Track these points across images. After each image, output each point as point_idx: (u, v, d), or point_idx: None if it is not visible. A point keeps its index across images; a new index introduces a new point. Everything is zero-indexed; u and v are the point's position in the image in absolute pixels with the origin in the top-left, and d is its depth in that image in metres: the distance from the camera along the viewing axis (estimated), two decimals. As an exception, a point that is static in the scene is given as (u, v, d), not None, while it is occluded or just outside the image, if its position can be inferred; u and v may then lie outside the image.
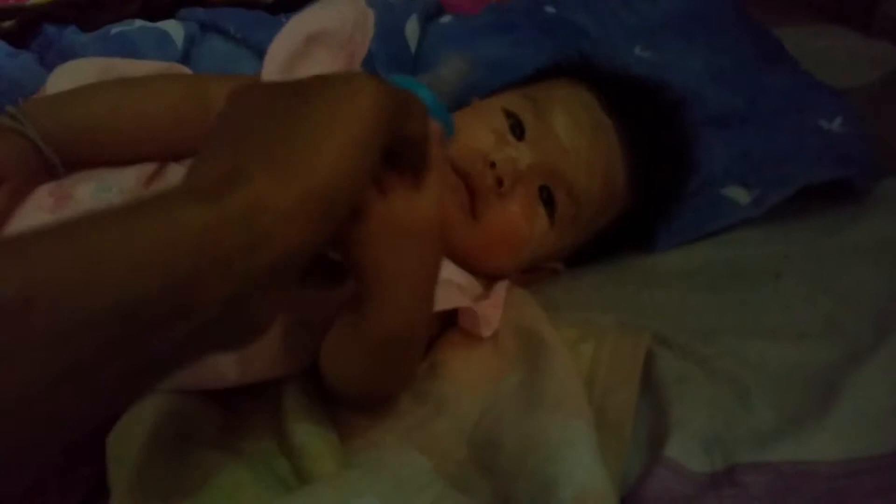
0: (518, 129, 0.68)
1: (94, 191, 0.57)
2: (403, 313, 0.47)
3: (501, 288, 0.65)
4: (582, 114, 0.70)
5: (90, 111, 0.61)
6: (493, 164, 0.64)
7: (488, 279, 0.68)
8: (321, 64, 0.60)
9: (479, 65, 0.89)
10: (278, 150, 0.37)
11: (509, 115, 0.69)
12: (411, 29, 0.96)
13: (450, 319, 0.61)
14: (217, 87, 0.64)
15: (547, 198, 0.67)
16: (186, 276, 0.32)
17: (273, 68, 0.60)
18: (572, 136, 0.68)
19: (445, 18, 1.02)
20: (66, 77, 0.69)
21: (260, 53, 0.94)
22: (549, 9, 1.04)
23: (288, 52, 0.61)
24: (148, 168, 0.61)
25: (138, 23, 0.94)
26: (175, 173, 0.62)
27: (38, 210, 0.56)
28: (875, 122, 0.88)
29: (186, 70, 0.79)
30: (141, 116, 0.62)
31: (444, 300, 0.56)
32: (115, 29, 0.92)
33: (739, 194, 0.78)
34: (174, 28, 0.94)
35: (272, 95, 0.41)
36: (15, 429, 0.29)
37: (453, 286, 0.59)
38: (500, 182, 0.64)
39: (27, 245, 0.30)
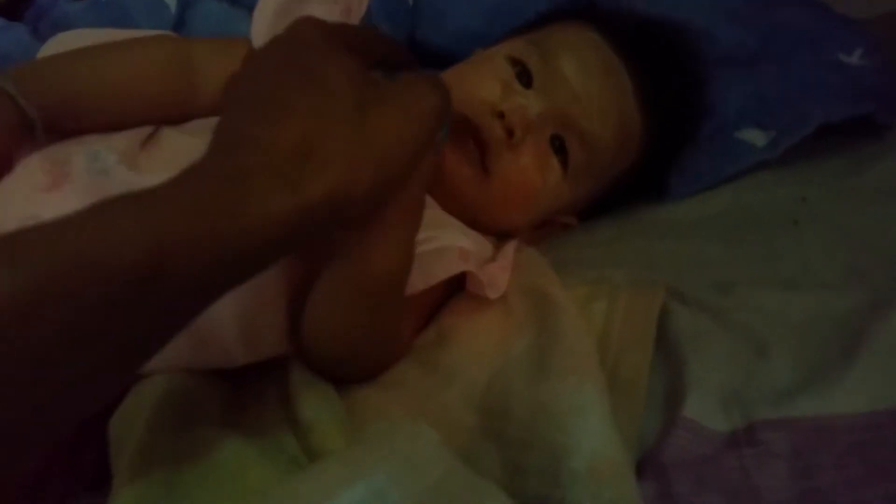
0: (525, 77, 0.65)
1: (87, 163, 0.54)
2: (388, 259, 0.48)
3: (510, 249, 0.63)
4: (590, 56, 0.67)
5: (73, 74, 0.59)
6: (501, 115, 0.62)
7: (499, 237, 0.66)
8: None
9: (479, 13, 0.87)
10: (355, 140, 0.39)
11: (515, 62, 0.66)
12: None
13: (457, 285, 0.60)
14: (201, 49, 0.63)
15: (559, 147, 0.65)
16: (261, 257, 0.37)
17: (261, 24, 0.60)
18: (582, 79, 0.65)
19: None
20: (57, 48, 0.67)
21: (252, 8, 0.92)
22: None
23: (278, 6, 0.60)
24: (140, 132, 0.59)
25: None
26: (171, 138, 0.59)
27: (35, 190, 0.54)
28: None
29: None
30: (123, 79, 0.60)
31: (444, 268, 0.55)
32: (107, -5, 0.89)
33: (755, 136, 0.75)
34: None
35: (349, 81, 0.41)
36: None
37: (454, 252, 0.57)
38: (510, 133, 0.62)
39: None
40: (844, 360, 0.49)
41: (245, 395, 0.53)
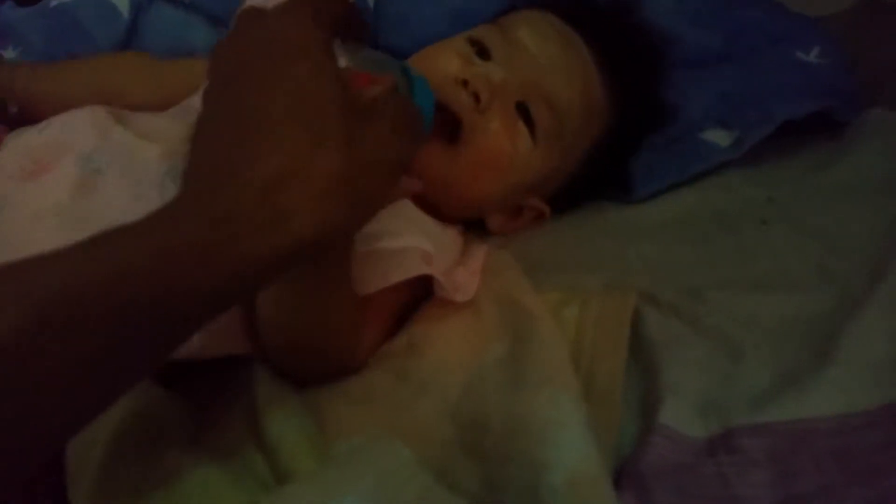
0: (484, 53, 0.66)
1: (76, 165, 0.54)
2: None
3: (480, 253, 0.62)
4: (549, 28, 0.68)
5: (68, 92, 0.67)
6: (465, 83, 0.61)
7: (471, 225, 0.66)
8: None
9: (442, 16, 0.86)
10: (342, 175, 0.37)
11: (473, 42, 0.66)
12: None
13: (426, 290, 0.58)
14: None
15: (526, 114, 0.64)
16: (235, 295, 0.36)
17: None
18: (542, 46, 0.66)
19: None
20: None
21: (211, 18, 0.90)
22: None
23: None
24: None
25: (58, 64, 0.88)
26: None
27: (6, 178, 0.53)
28: (855, 49, 0.85)
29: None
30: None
31: (404, 270, 0.54)
32: (55, 1, 0.86)
33: (719, 136, 0.75)
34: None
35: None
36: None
37: (416, 253, 0.55)
38: (476, 99, 0.61)
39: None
40: (819, 363, 0.49)
41: (209, 415, 0.51)
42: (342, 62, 0.49)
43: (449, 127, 0.61)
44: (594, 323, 0.54)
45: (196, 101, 0.61)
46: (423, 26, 0.84)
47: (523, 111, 0.64)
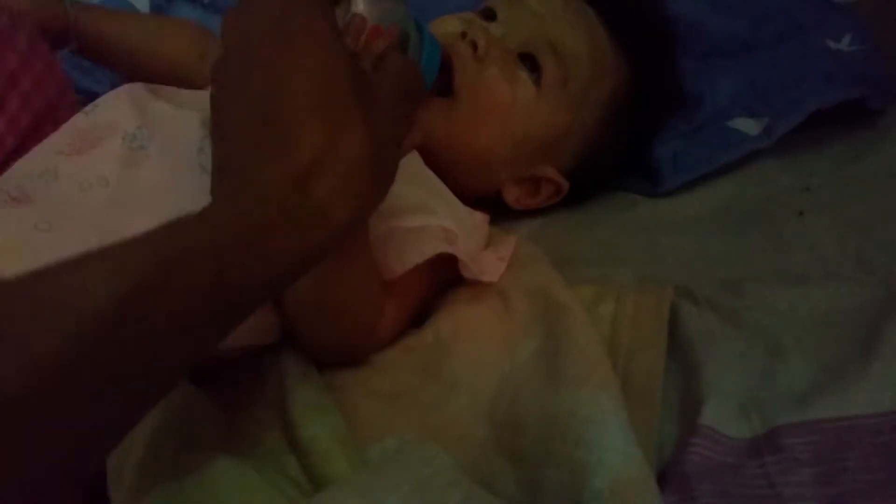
0: (489, 16, 0.66)
1: (122, 143, 0.54)
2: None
3: (509, 242, 0.61)
4: None
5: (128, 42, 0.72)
6: (463, 34, 0.62)
7: (488, 201, 0.65)
8: None
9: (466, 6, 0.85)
10: (364, 164, 0.37)
11: (480, 11, 0.67)
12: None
13: (453, 273, 0.56)
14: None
15: (532, 64, 0.64)
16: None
17: None
18: (547, 3, 0.66)
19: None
20: None
21: (217, 12, 0.89)
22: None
23: None
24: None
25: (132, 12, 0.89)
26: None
27: (54, 153, 0.53)
28: (886, 36, 0.83)
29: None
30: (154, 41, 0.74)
31: (423, 250, 0.53)
32: (76, -1, 0.86)
33: (748, 125, 0.74)
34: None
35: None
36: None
37: (436, 232, 0.54)
38: (474, 48, 0.61)
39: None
40: (863, 358, 0.48)
41: (241, 415, 0.51)
42: (359, 5, 0.50)
43: (448, 80, 0.61)
44: (631, 319, 0.53)
45: None
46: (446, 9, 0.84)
47: (529, 60, 0.63)
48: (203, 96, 0.56)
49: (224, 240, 0.33)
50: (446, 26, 0.63)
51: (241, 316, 0.35)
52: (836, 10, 0.85)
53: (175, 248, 0.32)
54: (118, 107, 0.56)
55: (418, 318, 0.57)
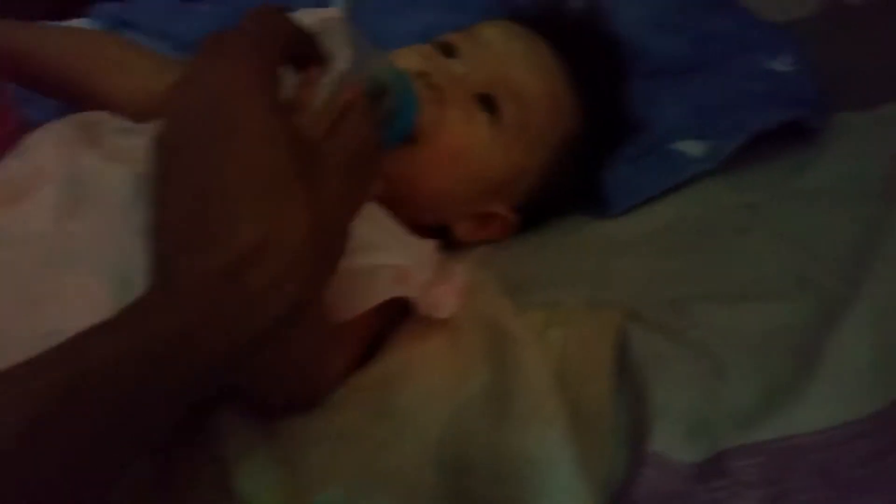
0: (449, 52, 0.65)
1: (56, 192, 0.53)
2: None
3: (461, 271, 0.61)
4: (513, 28, 0.69)
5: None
6: (423, 75, 0.61)
7: (440, 233, 0.64)
8: None
9: (417, 31, 0.86)
10: (308, 242, 0.35)
11: (438, 45, 0.66)
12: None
13: (402, 309, 0.56)
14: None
15: (490, 106, 0.64)
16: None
17: None
18: (508, 44, 0.66)
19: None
20: None
21: (179, 45, 0.89)
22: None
23: None
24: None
25: (48, 24, 0.87)
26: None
27: None
28: (820, 54, 0.85)
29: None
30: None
31: (376, 293, 0.52)
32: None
33: (693, 147, 0.75)
34: (86, 27, 0.88)
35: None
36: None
37: (389, 273, 0.54)
38: (435, 90, 0.61)
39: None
40: (803, 376, 0.49)
41: (175, 474, 0.48)
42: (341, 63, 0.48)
43: None
44: (579, 344, 0.54)
45: None
46: (395, 44, 0.84)
47: (487, 102, 0.64)
48: (138, 144, 0.55)
49: (144, 346, 0.31)
50: (405, 62, 0.62)
51: (181, 409, 0.34)
52: (776, 30, 0.87)
53: (81, 368, 0.30)
54: (49, 152, 0.55)
55: (367, 352, 0.57)
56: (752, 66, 0.82)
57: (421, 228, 0.63)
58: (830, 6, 1.00)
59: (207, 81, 0.37)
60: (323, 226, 0.36)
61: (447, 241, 0.67)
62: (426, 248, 0.62)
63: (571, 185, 0.72)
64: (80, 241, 0.51)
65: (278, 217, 0.34)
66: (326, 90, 0.49)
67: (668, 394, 0.49)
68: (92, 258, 0.50)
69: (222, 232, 0.34)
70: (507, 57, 0.65)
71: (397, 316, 0.57)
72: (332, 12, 0.74)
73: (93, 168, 0.54)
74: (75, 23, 0.89)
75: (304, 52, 0.43)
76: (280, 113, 0.37)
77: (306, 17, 0.70)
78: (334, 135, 0.40)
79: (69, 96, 0.70)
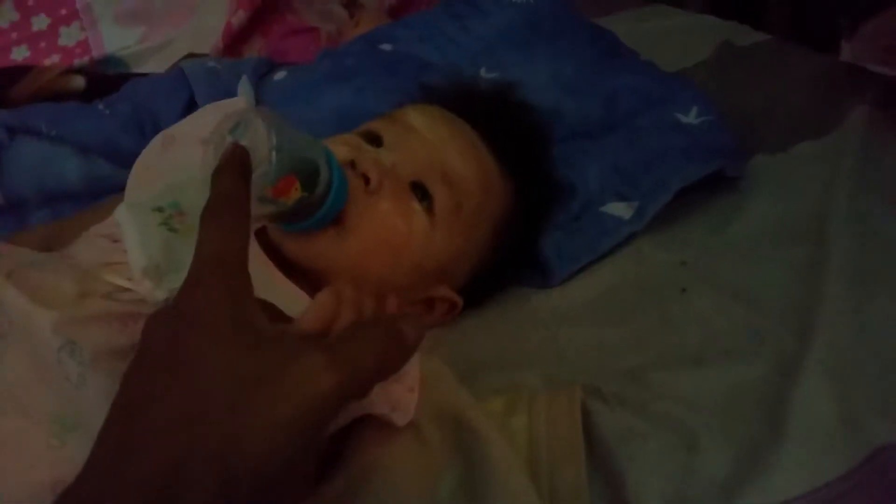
0: (374, 140, 0.65)
1: None
2: None
3: (414, 365, 0.59)
4: (438, 113, 0.69)
5: None
6: (353, 164, 0.60)
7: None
8: (179, 161, 0.64)
9: (327, 117, 0.85)
10: (228, 449, 0.34)
11: (363, 133, 0.66)
12: (244, 91, 0.89)
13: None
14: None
15: (423, 194, 0.63)
16: None
17: (133, 180, 0.64)
18: (433, 128, 0.66)
19: (280, 74, 0.95)
20: None
21: (80, 147, 0.85)
22: (386, 46, 1.00)
23: (146, 159, 0.66)
24: None
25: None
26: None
27: None
28: (721, 98, 0.88)
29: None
30: None
31: (347, 413, 0.50)
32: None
33: (620, 209, 0.76)
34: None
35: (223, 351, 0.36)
36: None
37: None
38: (366, 181, 0.59)
39: None
40: (773, 438, 0.49)
41: None
42: (272, 156, 0.48)
43: None
44: (546, 430, 0.52)
45: (74, 250, 0.58)
46: (308, 130, 0.83)
47: (419, 190, 0.63)
48: (55, 283, 0.52)
49: None
50: (333, 153, 0.60)
51: None
52: (681, 83, 0.90)
53: None
54: None
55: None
56: (663, 121, 0.83)
57: None
58: (721, 50, 1.04)
59: (166, 325, 0.37)
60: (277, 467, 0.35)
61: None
62: None
63: (511, 258, 0.71)
64: (8, 384, 0.48)
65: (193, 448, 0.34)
66: (262, 182, 0.48)
67: (642, 475, 0.49)
68: (25, 403, 0.47)
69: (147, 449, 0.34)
70: (435, 143, 0.65)
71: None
72: (240, 101, 0.74)
73: (18, 308, 0.50)
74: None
75: None
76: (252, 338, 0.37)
77: (218, 109, 0.69)
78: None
79: None
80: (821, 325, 0.56)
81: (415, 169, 0.63)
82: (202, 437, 0.33)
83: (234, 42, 1.17)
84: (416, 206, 0.62)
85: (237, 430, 0.34)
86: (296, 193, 0.53)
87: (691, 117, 0.83)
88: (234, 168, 0.43)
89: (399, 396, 0.54)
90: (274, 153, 0.48)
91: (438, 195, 0.63)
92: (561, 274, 0.72)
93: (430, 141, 0.65)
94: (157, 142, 0.69)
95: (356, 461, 0.53)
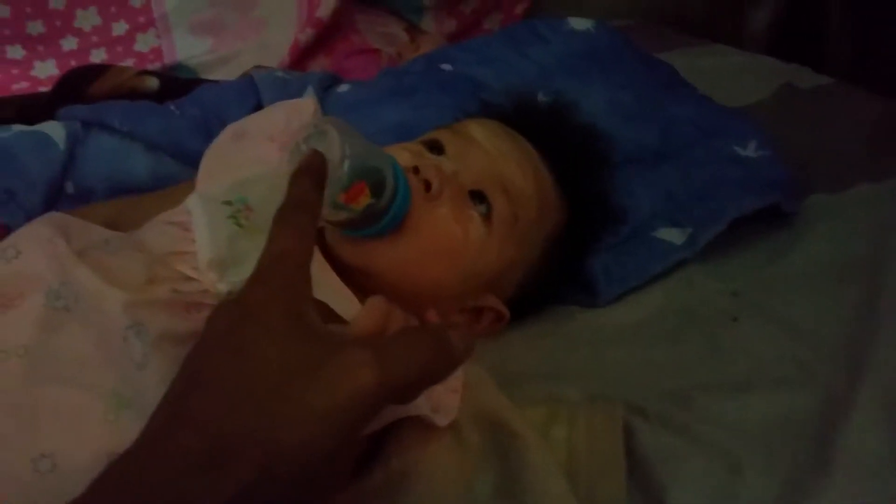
0: (436, 148, 0.65)
1: (45, 301, 0.50)
2: None
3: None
4: (496, 126, 0.69)
5: None
6: (415, 169, 0.60)
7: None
8: (250, 154, 0.66)
9: (386, 130, 0.87)
10: (272, 431, 0.35)
11: (425, 142, 0.67)
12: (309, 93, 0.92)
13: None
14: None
15: (481, 201, 0.63)
16: None
17: (204, 170, 0.67)
18: (494, 141, 0.66)
19: (343, 87, 0.98)
20: None
21: (150, 145, 0.88)
22: (446, 66, 1.02)
23: (217, 150, 0.68)
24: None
25: (16, 127, 0.86)
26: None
27: None
28: (780, 137, 0.88)
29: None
30: None
31: (393, 409, 0.50)
32: (-9, 136, 0.84)
33: (672, 235, 0.76)
34: (54, 129, 0.87)
35: (267, 342, 0.37)
36: None
37: None
38: (427, 186, 0.60)
39: None
40: (821, 469, 0.49)
41: None
42: (345, 164, 0.50)
43: None
44: (586, 443, 0.52)
45: (144, 235, 0.60)
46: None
47: (478, 198, 0.64)
48: (125, 267, 0.54)
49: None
50: (397, 159, 0.61)
51: None
52: (738, 117, 0.90)
53: None
54: (39, 257, 0.53)
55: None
56: (720, 153, 0.84)
57: None
58: (782, 90, 1.04)
59: (254, 302, 0.39)
60: (292, 441, 0.35)
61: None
62: None
63: (559, 274, 0.72)
64: (63, 356, 0.49)
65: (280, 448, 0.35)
66: (333, 189, 0.50)
67: (683, 491, 0.49)
68: (86, 375, 0.48)
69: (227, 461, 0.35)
70: (495, 154, 0.66)
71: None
72: (308, 103, 0.75)
73: (90, 286, 0.52)
74: (44, 126, 0.87)
75: None
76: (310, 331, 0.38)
77: (288, 108, 0.72)
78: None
79: None
80: (873, 363, 0.56)
81: (475, 178, 0.64)
82: (246, 417, 0.35)
83: (300, 58, 1.20)
84: (475, 213, 0.63)
85: (277, 416, 0.35)
86: (365, 200, 0.54)
87: (749, 150, 0.83)
88: (311, 174, 0.45)
89: (442, 398, 0.55)
90: (347, 161, 0.50)
91: (497, 204, 0.64)
92: (608, 295, 0.72)
93: (491, 152, 0.66)
94: (227, 134, 0.71)
95: (394, 455, 0.53)
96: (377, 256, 0.60)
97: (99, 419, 0.47)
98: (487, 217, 0.63)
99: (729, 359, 0.61)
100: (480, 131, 0.67)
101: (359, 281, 0.60)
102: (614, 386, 0.59)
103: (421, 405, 0.52)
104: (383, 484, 0.52)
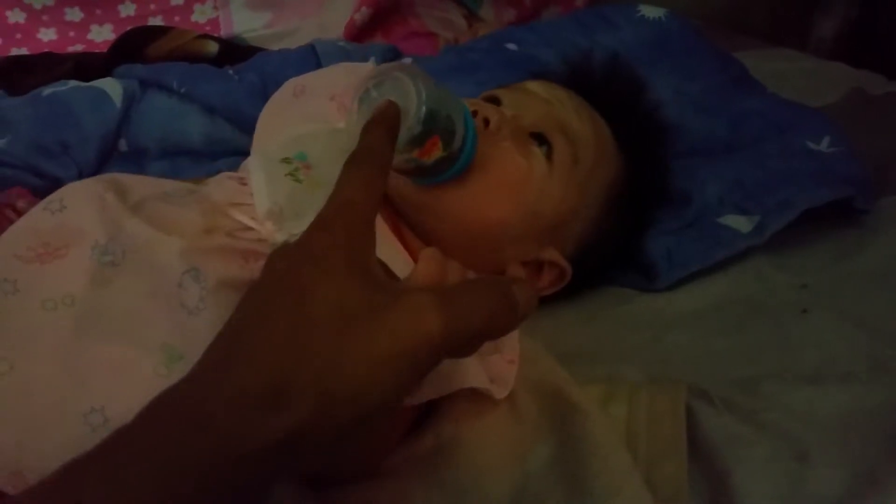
0: (494, 101, 0.65)
1: (91, 254, 0.50)
2: None
3: (514, 338, 0.57)
4: (552, 83, 0.70)
5: None
6: (475, 112, 0.60)
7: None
8: (308, 111, 0.66)
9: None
10: (330, 372, 0.34)
11: (483, 97, 0.67)
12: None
13: None
14: None
15: (541, 142, 0.63)
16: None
17: (262, 125, 0.69)
18: (549, 90, 0.67)
19: (406, 61, 0.97)
20: None
21: (206, 107, 0.88)
22: (511, 46, 1.01)
23: (275, 105, 0.69)
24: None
25: (72, 82, 0.87)
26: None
27: (12, 257, 0.49)
28: (850, 139, 0.85)
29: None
30: None
31: (461, 379, 0.49)
32: (48, 90, 0.84)
33: (739, 222, 0.74)
34: (111, 86, 0.87)
35: (320, 288, 0.36)
36: None
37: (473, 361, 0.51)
38: (486, 122, 0.60)
39: None
40: (889, 467, 0.46)
41: None
42: (421, 113, 0.49)
43: None
44: (647, 421, 0.50)
45: (206, 189, 0.58)
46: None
47: (538, 138, 0.63)
48: (182, 214, 0.53)
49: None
50: None
51: None
52: (812, 113, 0.87)
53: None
54: (86, 211, 0.52)
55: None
56: (792, 147, 0.81)
57: None
58: (852, 95, 1.00)
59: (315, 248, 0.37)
60: (351, 390, 0.34)
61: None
62: None
63: (617, 238, 0.70)
64: (112, 310, 0.48)
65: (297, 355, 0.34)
66: (405, 137, 0.49)
67: (749, 478, 0.46)
68: (136, 330, 0.47)
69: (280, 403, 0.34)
70: (552, 102, 0.66)
71: None
72: (370, 66, 0.74)
73: (141, 237, 0.51)
74: (101, 83, 0.87)
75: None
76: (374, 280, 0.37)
77: (349, 69, 0.71)
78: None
79: None
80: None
81: (534, 120, 0.63)
82: (306, 357, 0.34)
83: (356, 38, 1.19)
84: (537, 150, 0.62)
85: (338, 357, 0.34)
86: (437, 153, 0.54)
87: (823, 146, 0.80)
88: (385, 124, 0.44)
89: (499, 368, 0.53)
90: (423, 109, 0.49)
91: (557, 144, 0.63)
92: (668, 278, 0.70)
93: (548, 100, 0.66)
94: (287, 89, 0.70)
95: (446, 421, 0.52)
96: (442, 195, 0.59)
97: (150, 373, 0.46)
98: (549, 156, 0.63)
99: (798, 350, 0.59)
100: (535, 85, 0.68)
101: (418, 231, 0.60)
102: (676, 370, 0.57)
103: (480, 376, 0.51)
104: (433, 450, 0.51)
